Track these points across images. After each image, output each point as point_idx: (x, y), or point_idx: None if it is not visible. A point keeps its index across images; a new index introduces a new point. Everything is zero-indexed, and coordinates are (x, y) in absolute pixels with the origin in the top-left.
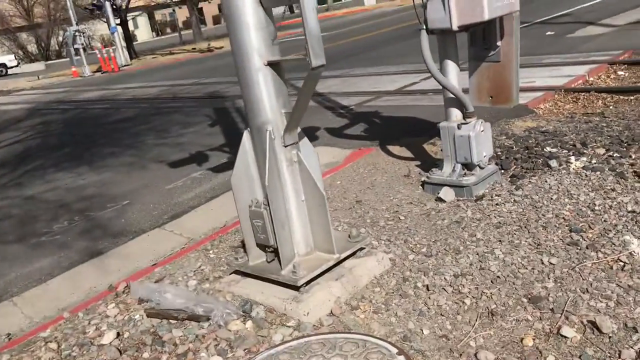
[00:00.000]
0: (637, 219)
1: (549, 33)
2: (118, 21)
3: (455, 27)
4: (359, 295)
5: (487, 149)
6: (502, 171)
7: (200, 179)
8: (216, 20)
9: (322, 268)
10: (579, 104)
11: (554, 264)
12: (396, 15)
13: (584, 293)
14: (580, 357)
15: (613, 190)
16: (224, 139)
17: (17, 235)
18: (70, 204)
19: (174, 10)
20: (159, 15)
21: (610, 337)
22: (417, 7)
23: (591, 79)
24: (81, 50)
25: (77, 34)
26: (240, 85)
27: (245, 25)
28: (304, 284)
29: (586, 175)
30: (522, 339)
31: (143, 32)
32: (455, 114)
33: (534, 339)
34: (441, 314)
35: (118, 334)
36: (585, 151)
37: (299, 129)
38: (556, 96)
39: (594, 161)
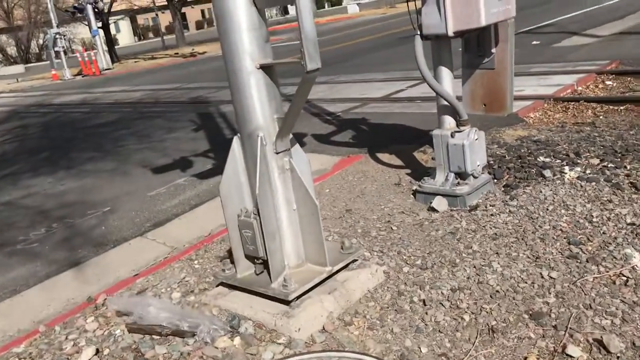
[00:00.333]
0: (637, 232)
1: (534, 42)
2: (100, 24)
3: (450, 33)
4: (352, 310)
5: (481, 158)
6: (495, 181)
7: (185, 185)
8: (199, 25)
9: (314, 281)
10: (569, 113)
11: (554, 278)
12: (379, 23)
13: (587, 309)
14: None
15: (610, 201)
16: (209, 144)
17: None
18: (48, 210)
19: (156, 14)
20: (141, 19)
21: (618, 357)
22: (412, 13)
23: (579, 88)
24: (62, 53)
25: (57, 36)
26: (230, 89)
27: (237, 26)
28: (295, 298)
29: (581, 186)
30: (525, 358)
31: (125, 36)
32: (449, 121)
33: (538, 359)
34: (439, 331)
35: (97, 351)
36: (579, 161)
37: (290, 135)
38: (545, 105)
39: (588, 171)
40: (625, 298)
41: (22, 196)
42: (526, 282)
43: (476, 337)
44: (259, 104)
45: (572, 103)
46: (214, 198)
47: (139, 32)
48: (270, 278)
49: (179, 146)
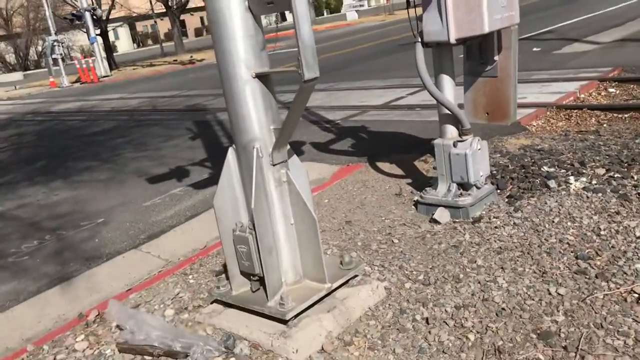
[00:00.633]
0: None
1: (535, 49)
2: (98, 31)
3: (453, 40)
4: (352, 329)
5: (484, 168)
6: (499, 191)
7: (180, 195)
8: (198, 32)
9: (313, 299)
10: (572, 121)
11: (562, 295)
12: (378, 30)
13: (598, 329)
14: None
15: (618, 213)
16: (206, 153)
17: None
18: (41, 221)
19: (155, 21)
20: (140, 26)
21: None
22: (412, 20)
23: (582, 95)
24: (60, 60)
25: (55, 44)
26: (225, 98)
27: (232, 32)
28: (292, 317)
29: (587, 197)
30: None
31: (124, 43)
32: (451, 130)
33: None
34: (443, 351)
35: None
36: (584, 171)
37: (287, 146)
38: (548, 113)
39: (594, 182)
40: (637, 317)
41: (15, 207)
42: (533, 299)
43: (482, 358)
44: (255, 114)
45: (575, 111)
46: (210, 209)
47: (138, 39)
48: (266, 295)
49: (176, 155)
